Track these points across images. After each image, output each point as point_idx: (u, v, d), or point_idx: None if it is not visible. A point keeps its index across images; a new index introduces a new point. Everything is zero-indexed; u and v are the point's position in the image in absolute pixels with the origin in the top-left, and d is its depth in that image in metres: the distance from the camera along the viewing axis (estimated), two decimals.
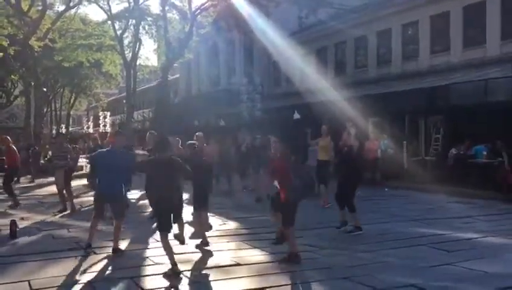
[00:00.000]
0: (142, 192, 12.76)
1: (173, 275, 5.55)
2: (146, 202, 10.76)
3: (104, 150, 7.06)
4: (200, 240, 6.99)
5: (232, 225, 8.85)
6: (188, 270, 5.80)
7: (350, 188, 8.01)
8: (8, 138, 12.21)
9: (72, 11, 31.70)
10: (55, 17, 29.63)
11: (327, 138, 10.94)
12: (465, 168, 13.88)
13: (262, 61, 28.90)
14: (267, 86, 28.31)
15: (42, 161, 20.97)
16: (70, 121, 56.22)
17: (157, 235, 7.95)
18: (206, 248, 6.85)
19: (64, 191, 10.50)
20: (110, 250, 6.60)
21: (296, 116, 22.14)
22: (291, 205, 6.08)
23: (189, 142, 7.64)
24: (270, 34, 24.03)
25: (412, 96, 18.07)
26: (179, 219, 6.52)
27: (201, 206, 7.21)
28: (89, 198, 11.61)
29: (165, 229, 5.90)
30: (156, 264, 6.08)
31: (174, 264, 5.68)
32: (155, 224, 8.79)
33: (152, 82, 45.20)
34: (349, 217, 7.94)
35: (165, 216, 5.96)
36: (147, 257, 6.42)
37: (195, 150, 7.34)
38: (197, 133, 9.31)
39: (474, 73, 16.68)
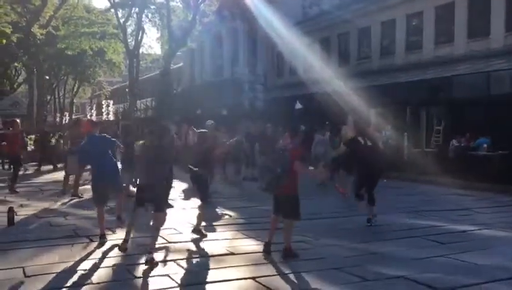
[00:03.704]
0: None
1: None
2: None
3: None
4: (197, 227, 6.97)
5: (230, 214, 8.86)
6: (182, 259, 5.84)
7: (376, 179, 8.01)
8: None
9: None
10: (58, 5, 29.61)
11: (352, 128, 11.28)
12: (465, 161, 13.84)
13: (266, 51, 28.75)
14: (270, 76, 28.22)
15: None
16: (74, 109, 56.35)
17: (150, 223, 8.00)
18: (201, 237, 6.86)
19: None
20: (107, 238, 6.65)
21: (298, 106, 22.10)
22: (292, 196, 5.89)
23: (201, 130, 7.53)
24: (273, 23, 23.89)
25: (415, 88, 17.98)
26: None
27: (203, 197, 7.16)
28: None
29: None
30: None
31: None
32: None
33: (155, 71, 45.14)
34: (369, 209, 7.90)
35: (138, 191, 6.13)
36: (142, 245, 6.43)
37: (204, 139, 7.19)
38: (207, 122, 9.01)
39: (478, 64, 16.56)
